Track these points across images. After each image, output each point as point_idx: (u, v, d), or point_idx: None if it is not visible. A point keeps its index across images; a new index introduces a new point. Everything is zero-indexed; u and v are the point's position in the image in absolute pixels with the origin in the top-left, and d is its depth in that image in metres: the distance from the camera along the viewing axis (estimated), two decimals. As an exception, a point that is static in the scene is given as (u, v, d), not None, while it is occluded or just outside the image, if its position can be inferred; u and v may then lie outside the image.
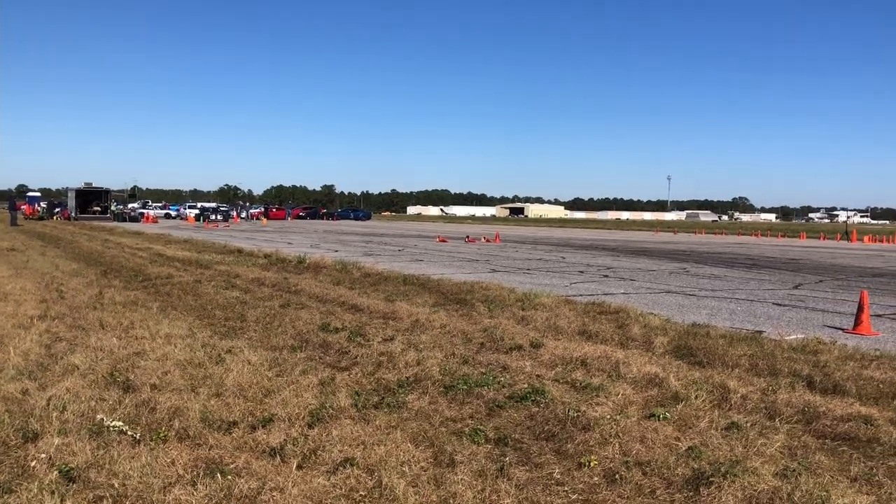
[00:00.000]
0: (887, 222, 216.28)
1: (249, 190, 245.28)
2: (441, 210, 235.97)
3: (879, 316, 11.72)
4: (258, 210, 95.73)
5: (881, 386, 6.44)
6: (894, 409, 5.78)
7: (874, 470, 4.50)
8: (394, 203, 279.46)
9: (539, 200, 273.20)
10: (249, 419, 5.20)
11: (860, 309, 10.23)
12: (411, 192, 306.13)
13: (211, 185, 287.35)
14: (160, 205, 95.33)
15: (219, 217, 73.92)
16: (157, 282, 14.08)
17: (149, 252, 22.48)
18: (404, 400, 5.82)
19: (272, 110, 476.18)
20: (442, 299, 11.88)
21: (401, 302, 11.11)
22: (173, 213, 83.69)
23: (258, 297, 11.94)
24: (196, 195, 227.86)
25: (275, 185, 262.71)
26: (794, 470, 4.31)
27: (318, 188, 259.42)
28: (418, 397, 5.91)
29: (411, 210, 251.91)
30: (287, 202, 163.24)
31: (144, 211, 74.86)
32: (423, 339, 8.22)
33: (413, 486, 4.01)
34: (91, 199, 70.38)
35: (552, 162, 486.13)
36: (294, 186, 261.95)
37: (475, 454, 4.60)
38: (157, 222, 64.22)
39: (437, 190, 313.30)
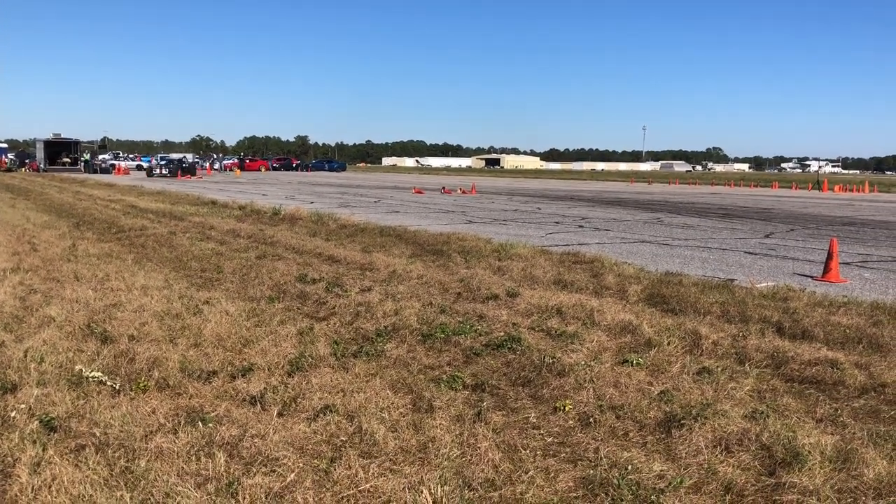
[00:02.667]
0: (858, 172, 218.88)
1: (222, 141, 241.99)
2: (417, 161, 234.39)
3: (848, 264, 11.95)
4: (232, 161, 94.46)
5: (847, 331, 6.60)
6: (859, 353, 5.94)
7: (839, 411, 4.65)
8: (369, 154, 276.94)
9: (515, 151, 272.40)
10: (229, 368, 5.24)
11: (829, 257, 10.42)
12: (387, 143, 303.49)
13: (183, 137, 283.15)
14: (132, 156, 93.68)
15: (164, 172, 59.46)
16: (132, 234, 13.96)
17: (121, 204, 22.21)
18: (383, 348, 5.88)
19: (243, 60, 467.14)
20: (419, 250, 11.92)
21: (378, 253, 11.13)
22: (146, 165, 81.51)
23: (234, 248, 11.89)
24: (168, 146, 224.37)
25: (248, 137, 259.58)
26: (762, 412, 4.44)
27: (292, 139, 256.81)
28: (396, 346, 5.98)
29: (386, 161, 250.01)
30: (260, 153, 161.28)
31: (116, 163, 73.46)
32: (401, 289, 8.26)
33: (392, 432, 4.09)
34: (60, 151, 68.84)
35: (528, 113, 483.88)
36: (267, 137, 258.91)
37: (453, 400, 4.69)
38: (128, 174, 63.22)
39: (412, 141, 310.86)
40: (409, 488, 3.38)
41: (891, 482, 3.50)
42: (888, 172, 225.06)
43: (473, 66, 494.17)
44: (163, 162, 67.49)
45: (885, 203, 36.68)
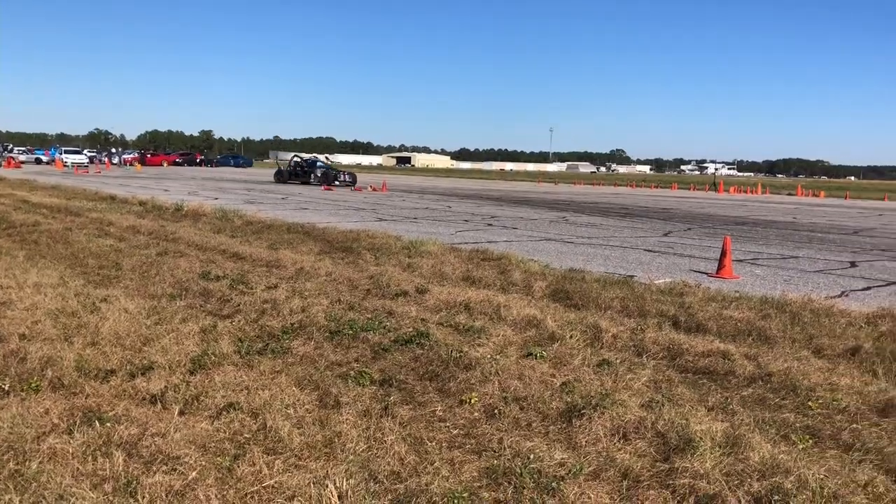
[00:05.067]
0: (752, 174, 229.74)
1: (122, 134, 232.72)
2: (326, 158, 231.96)
3: (741, 261, 12.56)
4: (132, 156, 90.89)
5: (738, 324, 6.95)
6: (749, 345, 6.27)
7: (729, 400, 4.90)
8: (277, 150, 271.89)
9: (426, 150, 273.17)
10: (128, 367, 5.08)
11: (723, 254, 10.93)
12: (295, 139, 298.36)
13: (80, 130, 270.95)
14: (23, 149, 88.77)
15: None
16: (23, 230, 13.29)
17: (12, 199, 21.09)
18: (289, 346, 5.82)
19: (144, 50, 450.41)
20: (328, 247, 11.83)
21: (285, 250, 10.98)
22: (45, 159, 76.54)
23: (134, 245, 11.49)
24: (63, 139, 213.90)
25: (149, 131, 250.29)
26: (658, 401, 4.63)
27: (196, 133, 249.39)
28: (303, 343, 5.93)
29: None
30: (162, 148, 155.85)
31: (7, 154, 69.45)
32: (309, 286, 8.19)
33: (298, 428, 4.06)
34: None
35: (439, 113, 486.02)
36: (170, 132, 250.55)
37: (360, 395, 4.69)
38: (20, 167, 59.99)
39: (321, 137, 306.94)
40: (314, 483, 3.37)
41: (774, 464, 3.71)
42: (779, 175, 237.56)
43: (384, 63, 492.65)
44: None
45: (775, 204, 38.70)
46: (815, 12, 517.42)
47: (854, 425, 4.46)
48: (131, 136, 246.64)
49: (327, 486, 3.30)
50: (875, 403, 4.84)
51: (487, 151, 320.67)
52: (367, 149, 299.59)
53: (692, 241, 16.54)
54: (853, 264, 13.14)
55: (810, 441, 4.17)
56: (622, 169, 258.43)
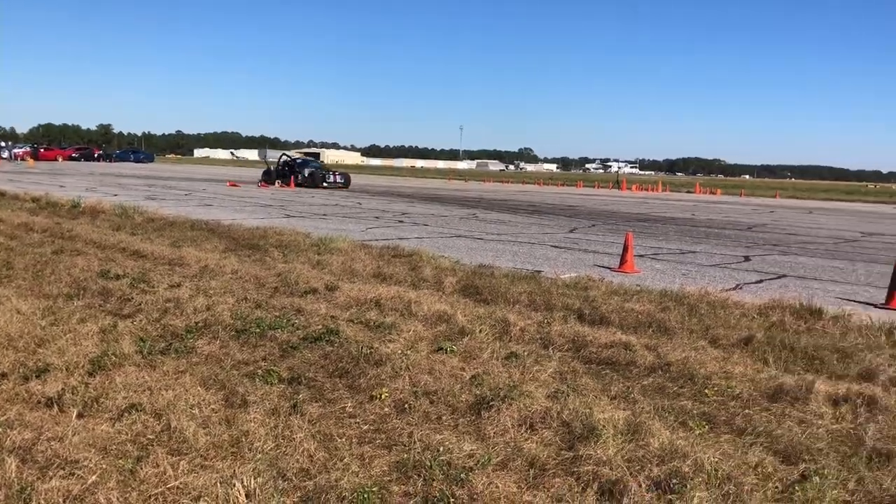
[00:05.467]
0: (653, 173, 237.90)
1: (12, 128, 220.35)
2: (232, 154, 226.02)
3: (642, 256, 13.01)
4: (24, 150, 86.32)
5: (639, 316, 7.20)
6: (649, 336, 6.51)
7: (630, 389, 5.08)
8: (180, 146, 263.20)
9: (335, 146, 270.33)
10: (21, 370, 4.84)
11: (625, 250, 11.30)
12: (199, 134, 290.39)
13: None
14: None
15: None
16: None
17: None
18: (193, 345, 5.68)
19: (38, 38, 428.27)
20: (233, 245, 11.57)
21: (189, 248, 10.68)
22: None
23: (27, 243, 10.94)
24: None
25: (42, 124, 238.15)
26: (563, 392, 4.76)
27: (94, 127, 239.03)
28: (208, 342, 5.79)
29: (199, 153, 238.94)
30: (57, 142, 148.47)
31: None
32: (214, 284, 8.00)
33: (204, 428, 3.97)
34: None
35: (349, 109, 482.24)
36: (65, 125, 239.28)
37: (268, 394, 4.62)
38: None
39: (227, 132, 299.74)
40: (221, 482, 3.30)
41: (672, 449, 3.87)
42: (679, 174, 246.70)
43: (292, 57, 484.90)
44: None
45: (675, 201, 40.20)
46: (709, 14, 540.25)
47: (746, 410, 4.70)
48: (22, 129, 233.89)
49: (234, 486, 3.25)
50: (766, 390, 5.11)
51: (398, 148, 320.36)
52: (274, 144, 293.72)
53: (596, 237, 17.01)
54: (747, 258, 13.81)
55: (706, 426, 4.37)
56: (530, 167, 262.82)
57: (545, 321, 6.78)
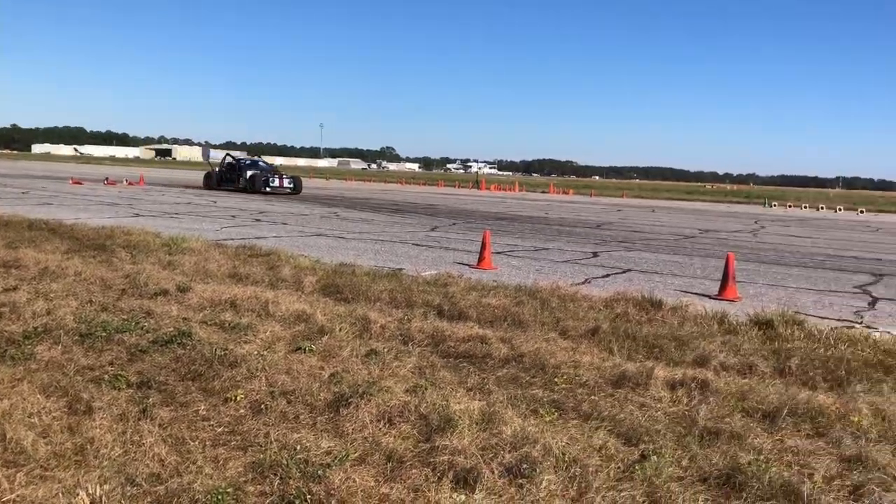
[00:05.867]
0: (511, 173, 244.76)
1: None
2: (75, 150, 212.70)
3: (499, 253, 13.39)
4: None
5: (496, 311, 7.43)
6: (504, 330, 6.73)
7: (486, 380, 5.23)
8: (15, 140, 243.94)
9: (188, 143, 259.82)
10: None
11: (483, 247, 11.61)
12: (37, 129, 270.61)
13: None
14: None
15: None
16: None
17: None
18: (32, 351, 5.33)
19: None
20: (77, 245, 10.93)
21: (26, 249, 9.99)
22: None
23: None
24: None
25: None
26: (421, 386, 4.84)
27: None
28: (49, 348, 5.45)
29: (38, 149, 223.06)
30: None
31: None
32: (55, 287, 7.53)
33: (44, 437, 3.75)
34: None
35: (203, 103, 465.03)
36: None
37: (115, 399, 4.42)
38: None
39: (69, 127, 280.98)
40: (63, 493, 3.14)
41: (524, 436, 4.04)
42: (534, 174, 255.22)
43: (135, 49, 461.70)
44: None
45: (531, 201, 41.60)
46: (561, 22, 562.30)
47: (592, 397, 4.96)
48: None
49: (78, 494, 3.09)
50: (610, 377, 5.41)
51: (255, 145, 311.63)
52: (122, 140, 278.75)
53: (456, 235, 17.34)
54: (595, 254, 14.53)
55: (555, 413, 4.58)
56: (392, 166, 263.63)
57: (406, 318, 6.86)
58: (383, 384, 4.78)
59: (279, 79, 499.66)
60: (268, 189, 31.22)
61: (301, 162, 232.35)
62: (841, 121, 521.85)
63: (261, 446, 3.85)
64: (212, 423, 4.21)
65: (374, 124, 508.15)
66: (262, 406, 4.45)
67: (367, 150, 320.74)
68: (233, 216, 19.36)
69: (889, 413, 4.78)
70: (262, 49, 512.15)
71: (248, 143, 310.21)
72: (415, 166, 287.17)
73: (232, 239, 13.23)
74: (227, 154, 35.84)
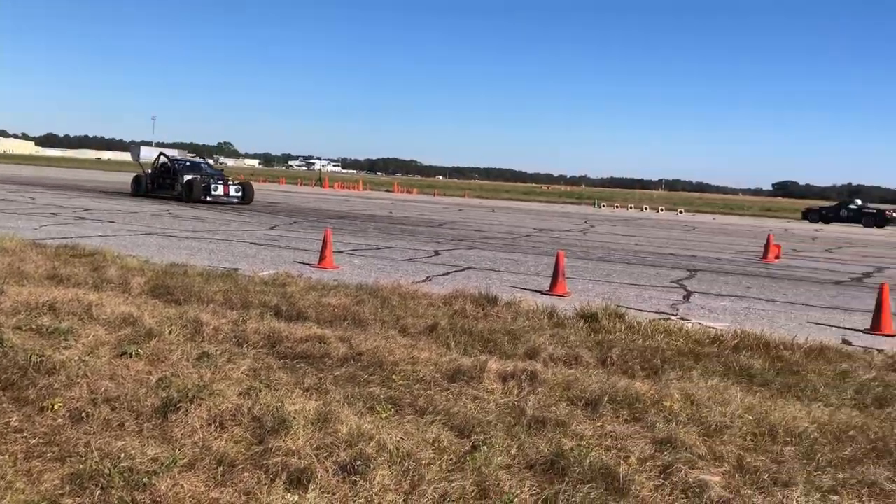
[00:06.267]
0: (355, 172, 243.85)
1: None
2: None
3: (341, 252, 13.34)
4: None
5: (336, 310, 7.41)
6: (344, 329, 6.73)
7: (323, 380, 5.22)
8: None
9: (3, 134, 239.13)
10: None
11: (324, 246, 11.52)
12: None
13: None
14: None
15: None
16: None
17: None
18: None
19: None
20: None
21: None
22: None
23: None
24: None
25: None
26: (256, 388, 4.75)
27: None
28: None
29: None
30: None
31: None
32: None
33: None
34: None
35: (23, 90, 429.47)
36: None
37: (-89, 415, 4.03)
38: None
39: None
40: None
41: (359, 434, 4.07)
42: (379, 173, 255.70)
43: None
44: None
45: (374, 199, 41.68)
46: (423, 21, 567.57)
47: (429, 392, 5.08)
48: None
49: None
50: (447, 371, 5.56)
51: (82, 138, 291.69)
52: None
53: (297, 233, 17.09)
54: (437, 253, 14.80)
55: (392, 410, 4.65)
56: (231, 162, 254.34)
57: (241, 319, 6.70)
58: (215, 388, 4.65)
59: (106, 65, 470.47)
60: (208, 198, 25.93)
61: (126, 155, 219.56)
62: (663, 126, 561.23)
63: (81, 456, 3.65)
64: (25, 434, 3.94)
65: (210, 118, 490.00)
66: (83, 414, 4.21)
67: (203, 145, 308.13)
68: (53, 213, 18.08)
69: (697, 398, 5.22)
70: (90, 38, 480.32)
71: (71, 135, 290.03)
72: (254, 162, 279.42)
73: (52, 238, 12.35)
74: (161, 153, 29.55)
